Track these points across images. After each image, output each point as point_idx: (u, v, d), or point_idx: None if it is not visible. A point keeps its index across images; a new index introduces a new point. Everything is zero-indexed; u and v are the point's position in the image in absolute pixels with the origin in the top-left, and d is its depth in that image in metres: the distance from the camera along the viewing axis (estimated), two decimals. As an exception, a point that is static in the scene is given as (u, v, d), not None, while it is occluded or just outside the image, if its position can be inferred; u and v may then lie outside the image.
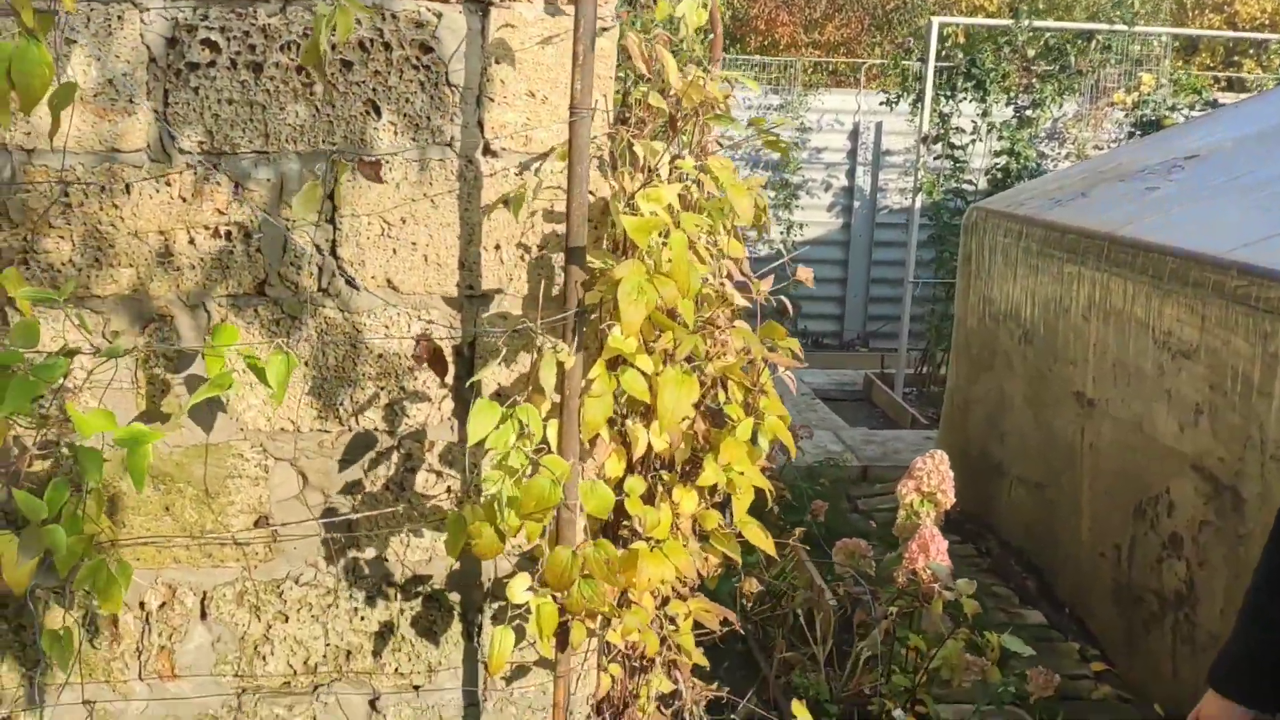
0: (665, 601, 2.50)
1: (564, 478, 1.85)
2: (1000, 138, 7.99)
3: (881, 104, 9.17)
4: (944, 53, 8.08)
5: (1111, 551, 4.56)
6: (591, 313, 2.11)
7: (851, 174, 10.37)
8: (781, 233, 9.79)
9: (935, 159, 8.20)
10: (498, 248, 2.30)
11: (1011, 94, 8.16)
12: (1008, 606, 5.00)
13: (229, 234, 2.23)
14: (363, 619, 2.45)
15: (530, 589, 2.11)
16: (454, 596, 2.46)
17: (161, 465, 2.31)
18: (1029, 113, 8.17)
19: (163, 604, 2.40)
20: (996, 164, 8.05)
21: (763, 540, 2.30)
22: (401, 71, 2.21)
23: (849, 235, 10.32)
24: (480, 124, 2.25)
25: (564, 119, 2.11)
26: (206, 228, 2.22)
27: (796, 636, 4.59)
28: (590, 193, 2.12)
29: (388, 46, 2.19)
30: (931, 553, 3.02)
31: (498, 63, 2.23)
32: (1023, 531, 5.50)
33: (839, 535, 4.34)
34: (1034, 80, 8.19)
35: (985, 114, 8.01)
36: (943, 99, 8.05)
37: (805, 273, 2.47)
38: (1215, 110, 7.57)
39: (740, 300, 2.13)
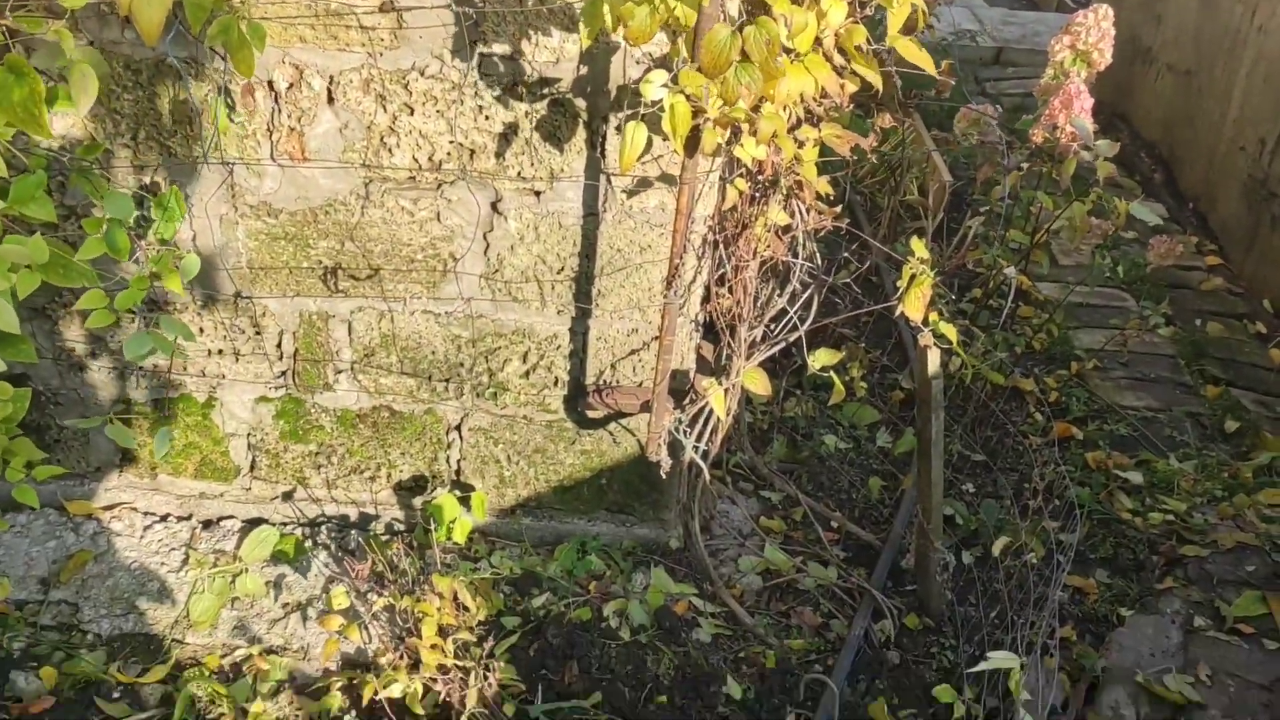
0: (796, 125, 2.42)
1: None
2: None
3: None
4: None
5: (1254, 145, 4.32)
6: None
7: None
8: None
9: None
10: None
11: None
12: (1131, 197, 4.85)
13: None
14: (487, 118, 2.42)
15: (665, 86, 2.03)
16: (580, 103, 2.40)
17: (284, -66, 2.20)
18: None
19: (290, 85, 2.39)
20: None
21: (918, 56, 2.16)
22: None
23: None
24: None
25: None
26: None
27: (906, 209, 4.53)
28: None
29: None
30: (1076, 109, 2.84)
31: None
32: (1159, 123, 5.22)
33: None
34: None
35: None
36: None
37: None
38: None
39: None
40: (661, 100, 2.04)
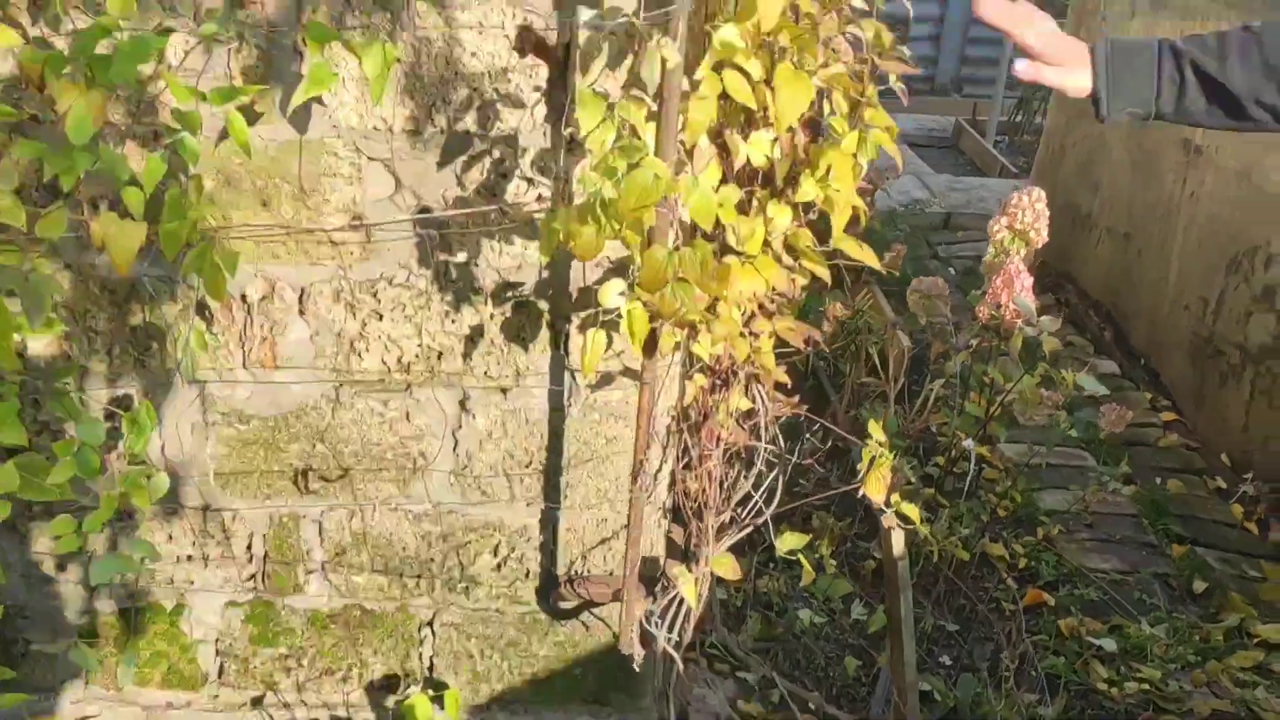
0: (751, 318, 2.52)
1: (664, 177, 1.82)
2: None
3: None
4: None
5: (1196, 304, 4.48)
6: (697, 11, 2.01)
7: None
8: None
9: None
10: (597, -60, 2.17)
11: None
12: (1082, 355, 5.00)
13: (318, -84, 2.13)
14: (453, 321, 2.51)
15: (622, 294, 2.13)
16: (543, 304, 2.49)
17: (258, 160, 2.32)
18: None
19: (263, 297, 2.47)
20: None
21: (861, 254, 2.28)
22: None
23: (951, -34, 9.66)
24: None
25: None
26: (295, -92, 2.12)
27: (869, 373, 4.64)
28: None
29: None
30: (1016, 288, 2.98)
31: None
32: (1103, 283, 5.42)
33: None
34: None
35: None
36: None
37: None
38: None
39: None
40: (619, 307, 2.13)
